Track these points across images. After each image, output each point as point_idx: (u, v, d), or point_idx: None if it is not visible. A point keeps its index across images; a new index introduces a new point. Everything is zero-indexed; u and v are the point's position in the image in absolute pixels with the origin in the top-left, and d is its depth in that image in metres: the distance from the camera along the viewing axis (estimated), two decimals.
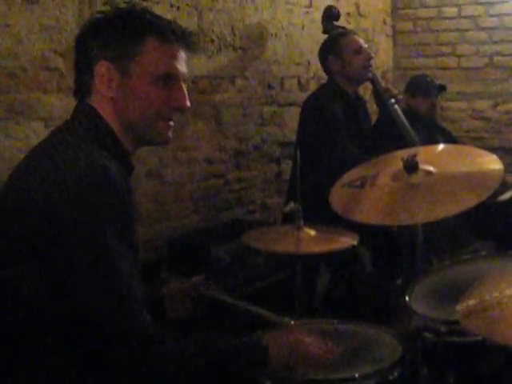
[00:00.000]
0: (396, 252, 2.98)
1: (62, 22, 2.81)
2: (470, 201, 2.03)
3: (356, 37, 3.59)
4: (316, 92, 3.68)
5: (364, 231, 2.36)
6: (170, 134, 1.67)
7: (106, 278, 1.43)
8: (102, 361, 1.46)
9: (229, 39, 3.78)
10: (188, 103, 1.65)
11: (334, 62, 3.51)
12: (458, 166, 2.22)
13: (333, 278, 3.36)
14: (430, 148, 2.63)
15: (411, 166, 2.12)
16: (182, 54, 1.63)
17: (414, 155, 2.14)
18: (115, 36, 1.58)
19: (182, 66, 1.63)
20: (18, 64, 2.64)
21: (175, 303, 1.94)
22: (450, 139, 4.29)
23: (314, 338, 1.76)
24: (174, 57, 1.61)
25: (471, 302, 1.54)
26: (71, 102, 1.77)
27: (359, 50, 3.49)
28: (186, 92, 1.64)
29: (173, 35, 1.61)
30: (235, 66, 3.85)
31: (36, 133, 2.66)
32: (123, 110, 1.59)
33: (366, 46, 3.59)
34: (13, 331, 1.51)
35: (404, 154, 2.21)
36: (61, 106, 2.77)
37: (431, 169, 2.15)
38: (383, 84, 3.78)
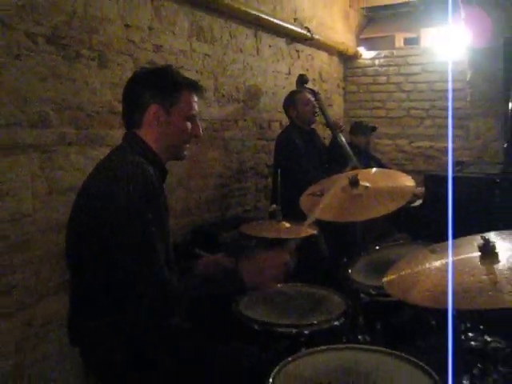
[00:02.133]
0: (343, 239, 3.00)
1: (123, 80, 2.83)
2: (392, 206, 2.04)
3: (305, 93, 3.61)
4: (283, 130, 3.71)
5: (322, 225, 2.37)
6: (187, 153, 1.72)
7: (144, 248, 1.44)
8: (139, 300, 1.45)
9: (234, 95, 3.78)
10: (201, 132, 1.72)
11: (292, 111, 3.54)
12: (385, 183, 2.23)
13: (299, 255, 3.35)
14: (366, 170, 2.63)
15: (354, 182, 2.13)
16: (196, 98, 1.68)
17: (356, 175, 2.15)
18: (163, 87, 1.61)
19: (197, 109, 1.68)
20: (94, 109, 2.64)
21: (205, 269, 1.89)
22: (379, 165, 4.29)
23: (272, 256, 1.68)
24: (196, 103, 1.67)
25: (392, 276, 1.53)
26: None
27: (307, 103, 3.52)
28: (200, 125, 1.70)
29: (195, 88, 1.67)
30: (238, 113, 3.86)
31: (104, 155, 2.66)
32: (164, 137, 1.63)
33: (313, 99, 3.62)
34: (87, 290, 1.54)
35: (349, 174, 2.23)
36: (119, 136, 2.77)
37: (367, 184, 2.16)
38: (332, 120, 3.81)
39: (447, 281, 1.31)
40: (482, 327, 1.77)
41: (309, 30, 4.62)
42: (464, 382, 1.74)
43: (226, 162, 3.76)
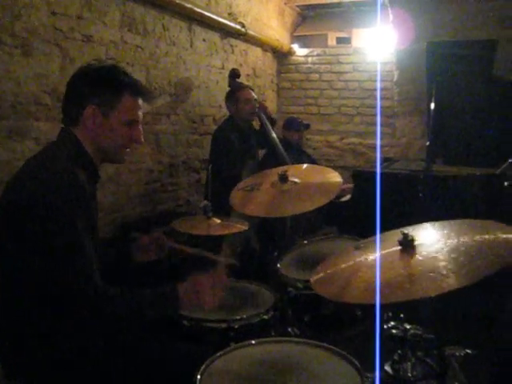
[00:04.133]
0: (273, 234, 3.04)
1: (49, 70, 2.72)
2: (321, 201, 2.09)
3: (249, 91, 3.60)
4: (220, 125, 3.68)
5: (253, 220, 2.38)
6: (126, 157, 1.66)
7: (72, 253, 1.40)
8: (68, 314, 1.42)
9: (166, 88, 3.74)
10: (142, 139, 1.65)
11: (232, 107, 3.53)
12: (314, 179, 2.27)
13: (230, 250, 3.36)
14: (296, 166, 2.68)
15: (283, 178, 2.16)
16: (142, 105, 1.62)
17: (285, 171, 2.18)
18: (103, 89, 1.55)
19: (141, 114, 1.62)
20: (17, 99, 2.53)
21: (143, 252, 1.87)
22: (311, 161, 4.36)
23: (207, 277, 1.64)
24: (139, 108, 1.60)
25: (319, 275, 1.55)
26: (53, 127, 1.72)
27: (248, 101, 3.52)
28: (141, 131, 1.63)
29: (140, 92, 1.60)
30: (170, 106, 3.81)
31: (29, 149, 2.57)
32: (99, 140, 1.57)
33: (255, 97, 3.63)
34: (12, 299, 1.47)
35: (279, 170, 2.25)
36: (46, 130, 2.67)
37: (296, 180, 2.19)
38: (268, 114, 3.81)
39: (374, 276, 1.37)
40: (402, 316, 1.86)
41: (243, 26, 4.63)
42: (385, 367, 1.83)
43: (158, 156, 3.70)
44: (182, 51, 3.91)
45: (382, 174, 3.52)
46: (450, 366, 1.31)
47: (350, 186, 3.62)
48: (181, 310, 1.60)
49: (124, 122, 1.56)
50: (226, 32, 4.49)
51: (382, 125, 5.10)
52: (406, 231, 1.42)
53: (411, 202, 3.39)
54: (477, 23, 4.46)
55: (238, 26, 4.57)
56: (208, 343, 1.77)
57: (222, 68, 4.48)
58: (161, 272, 1.69)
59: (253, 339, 1.56)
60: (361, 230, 1.93)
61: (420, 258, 1.33)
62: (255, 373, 1.40)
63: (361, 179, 3.56)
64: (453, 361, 1.29)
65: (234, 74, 3.80)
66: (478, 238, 1.38)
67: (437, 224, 1.63)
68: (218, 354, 1.46)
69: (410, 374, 1.74)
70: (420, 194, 3.41)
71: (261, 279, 2.17)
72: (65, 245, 1.39)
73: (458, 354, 1.32)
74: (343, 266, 1.51)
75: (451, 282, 1.17)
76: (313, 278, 1.52)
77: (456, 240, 1.41)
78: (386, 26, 4.93)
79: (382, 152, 4.88)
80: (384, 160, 4.16)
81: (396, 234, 1.50)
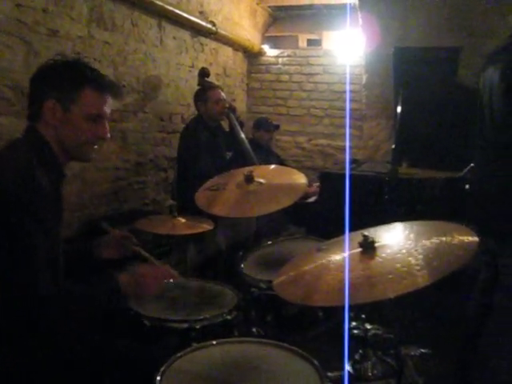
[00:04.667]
0: (239, 234, 3.03)
1: (12, 64, 2.65)
2: (285, 202, 2.10)
3: (218, 91, 3.58)
4: (188, 123, 3.64)
5: (219, 220, 2.37)
6: (93, 154, 1.63)
7: (24, 253, 1.37)
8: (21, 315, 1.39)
9: (135, 85, 3.69)
10: (109, 135, 1.61)
11: (201, 106, 3.51)
12: (279, 180, 2.28)
13: (197, 250, 3.35)
14: (263, 167, 2.69)
15: (249, 179, 2.16)
16: (109, 100, 1.59)
17: (251, 171, 2.19)
18: (63, 82, 1.52)
19: (107, 109, 1.58)
20: None
21: (109, 248, 1.85)
22: (280, 161, 4.38)
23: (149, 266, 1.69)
24: (104, 103, 1.56)
25: (282, 278, 1.54)
26: (16, 123, 1.67)
27: (217, 101, 3.51)
28: (107, 127, 1.60)
29: (104, 87, 1.57)
30: (138, 104, 3.76)
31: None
32: (62, 136, 1.54)
33: (225, 98, 3.62)
34: None
35: (245, 170, 2.25)
36: (8, 125, 2.61)
37: (262, 181, 2.19)
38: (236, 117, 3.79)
39: (337, 278, 1.38)
40: (363, 316, 1.89)
41: (214, 25, 4.61)
42: (347, 366, 1.85)
43: (124, 154, 3.65)
44: (152, 48, 3.87)
45: (349, 175, 3.57)
46: (405, 365, 1.33)
47: (317, 187, 3.65)
48: (125, 300, 1.61)
49: (86, 116, 1.53)
50: (196, 30, 4.47)
51: (350, 127, 5.16)
52: (366, 233, 1.44)
53: (377, 203, 3.44)
54: (442, 30, 4.55)
55: (209, 25, 4.55)
56: (169, 343, 1.76)
57: (192, 66, 4.45)
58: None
59: (215, 339, 1.56)
60: (328, 230, 1.94)
61: (380, 259, 1.35)
62: (215, 373, 1.40)
63: (327, 180, 3.59)
64: (408, 360, 1.32)
65: (204, 73, 3.78)
66: (436, 239, 1.40)
67: (399, 225, 1.66)
68: (179, 355, 1.45)
69: (370, 373, 1.77)
70: (386, 196, 3.46)
71: (226, 279, 2.16)
72: (12, 246, 1.36)
73: (413, 353, 1.34)
74: (306, 268, 1.51)
75: (409, 284, 1.19)
76: (275, 282, 1.52)
77: (416, 242, 1.43)
78: (356, 29, 4.98)
79: (349, 154, 4.93)
80: (351, 162, 4.21)
81: (358, 236, 1.51)
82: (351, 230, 1.66)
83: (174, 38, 4.18)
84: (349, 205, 1.86)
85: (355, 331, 1.88)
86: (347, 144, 5.20)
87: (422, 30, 4.61)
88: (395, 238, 1.52)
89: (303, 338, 1.98)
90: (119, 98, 1.66)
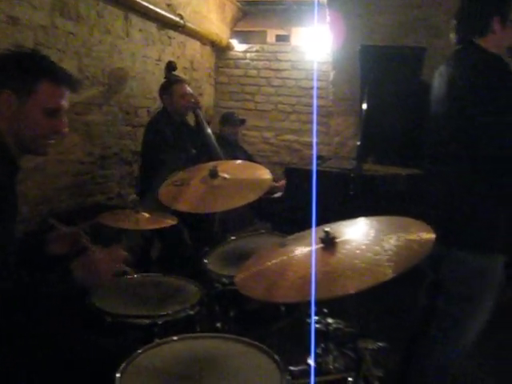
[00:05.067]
0: (203, 229, 3.02)
1: None
2: (250, 197, 2.07)
3: (184, 85, 3.55)
4: (153, 117, 3.61)
5: (184, 216, 2.35)
6: (49, 149, 1.59)
7: None
8: None
9: (99, 77, 3.63)
10: (66, 130, 1.57)
11: (167, 100, 3.48)
12: (244, 175, 2.26)
13: (163, 246, 3.33)
14: (228, 162, 2.67)
15: (213, 174, 2.14)
16: (67, 94, 1.55)
17: (216, 166, 2.16)
18: (19, 73, 1.47)
19: (65, 103, 1.55)
20: None
21: (58, 244, 1.81)
22: (247, 156, 4.38)
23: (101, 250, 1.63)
24: (61, 96, 1.53)
25: (244, 274, 1.53)
26: None
27: (183, 96, 3.47)
28: (65, 121, 1.56)
29: (62, 80, 1.53)
30: (103, 96, 3.70)
31: None
32: (17, 128, 1.49)
33: (191, 92, 3.59)
34: None
35: (210, 165, 2.22)
36: None
37: (226, 176, 2.17)
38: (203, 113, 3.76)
39: (300, 273, 1.38)
40: (325, 310, 1.91)
41: (182, 18, 4.57)
42: (309, 360, 1.87)
43: (88, 147, 3.59)
44: (117, 40, 3.81)
45: (314, 171, 3.60)
46: (363, 358, 1.35)
47: (284, 182, 3.68)
48: (78, 285, 1.52)
49: (43, 110, 1.49)
50: (163, 23, 4.42)
51: (317, 123, 5.19)
52: (327, 229, 1.45)
53: (342, 199, 3.48)
54: (407, 30, 4.63)
55: (177, 18, 4.51)
56: (132, 340, 1.74)
57: (159, 60, 4.40)
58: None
59: (177, 335, 1.55)
60: (293, 226, 1.95)
61: (340, 255, 1.37)
62: (176, 369, 1.39)
63: (293, 176, 3.62)
64: (366, 354, 1.34)
65: (171, 67, 3.74)
66: (396, 235, 1.43)
67: (361, 221, 1.68)
68: (139, 352, 1.44)
69: (331, 367, 1.79)
70: (351, 192, 3.51)
71: (191, 275, 2.15)
72: None
73: (370, 347, 1.37)
74: (267, 263, 1.51)
75: (368, 279, 1.20)
76: (237, 278, 1.51)
77: (376, 237, 1.46)
78: (324, 26, 5.02)
79: (316, 150, 4.97)
80: (317, 158, 4.24)
81: (320, 232, 1.52)
82: (317, 225, 1.68)
83: (141, 30, 4.12)
84: (314, 200, 1.87)
85: (317, 325, 1.90)
86: (314, 140, 5.24)
87: (389, 29, 4.68)
88: (356, 234, 1.54)
89: (266, 332, 1.99)
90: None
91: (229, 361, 1.44)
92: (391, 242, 1.38)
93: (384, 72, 4.00)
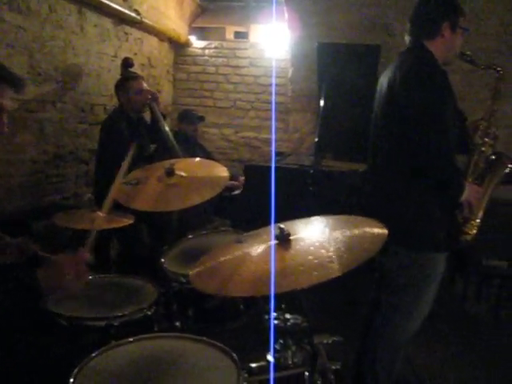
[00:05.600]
0: (162, 228, 2.99)
1: None
2: (208, 194, 2.09)
3: (140, 81, 3.48)
4: (109, 115, 3.54)
5: (143, 215, 2.33)
6: None
7: None
8: None
9: (52, 74, 3.52)
10: (5, 129, 1.52)
11: (123, 96, 3.42)
12: (201, 173, 2.26)
13: (121, 245, 3.28)
14: (185, 160, 2.65)
15: (170, 172, 2.13)
16: (7, 92, 1.49)
17: (172, 164, 2.15)
18: None
19: (5, 102, 1.49)
20: None
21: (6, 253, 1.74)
22: (206, 154, 4.36)
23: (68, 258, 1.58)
24: (1, 96, 1.48)
25: (198, 269, 1.53)
26: None
27: (139, 92, 3.42)
28: (5, 121, 1.51)
29: (2, 78, 1.48)
30: (56, 93, 3.59)
31: None
32: None
33: (147, 88, 3.53)
34: None
35: (166, 163, 2.22)
36: None
37: (183, 174, 2.17)
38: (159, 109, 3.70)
39: (254, 269, 1.39)
40: (283, 306, 1.92)
41: (138, 13, 4.49)
42: (268, 356, 1.88)
43: (42, 145, 3.47)
44: (71, 36, 3.71)
45: (273, 168, 3.62)
46: (319, 353, 1.37)
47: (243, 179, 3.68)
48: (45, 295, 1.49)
49: None
50: (119, 19, 4.33)
51: (275, 120, 5.22)
52: (282, 226, 1.46)
53: (301, 195, 3.52)
54: (363, 29, 4.70)
55: (133, 14, 4.42)
56: (88, 343, 1.70)
57: (115, 56, 4.31)
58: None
59: (134, 336, 1.53)
60: (253, 222, 1.95)
61: (294, 252, 1.38)
62: (132, 371, 1.38)
63: (252, 173, 3.62)
64: (321, 348, 1.36)
65: (127, 63, 3.67)
66: (348, 232, 1.45)
67: (317, 219, 1.70)
68: (94, 355, 1.41)
69: (290, 362, 1.80)
70: (310, 188, 3.55)
71: (150, 274, 2.13)
72: None
73: (325, 341, 1.39)
74: (223, 259, 1.52)
75: (319, 275, 1.22)
76: (191, 273, 1.51)
77: (329, 234, 1.48)
78: (282, 23, 5.04)
79: (275, 146, 5.00)
80: (277, 154, 4.26)
81: (276, 229, 1.53)
82: (276, 222, 1.69)
83: (96, 25, 4.03)
84: (274, 197, 1.88)
85: (276, 321, 1.92)
86: (273, 137, 5.26)
87: (345, 27, 4.74)
88: (311, 231, 1.56)
89: (225, 330, 1.99)
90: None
91: (186, 360, 1.43)
92: (343, 239, 1.41)
93: (340, 69, 4.06)
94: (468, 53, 2.25)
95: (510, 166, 2.30)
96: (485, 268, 3.91)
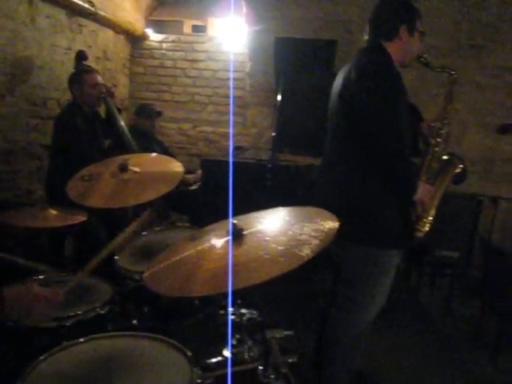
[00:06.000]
0: (117, 225, 2.93)
1: None
2: (162, 190, 2.05)
3: (95, 74, 3.40)
4: (63, 109, 3.43)
5: (97, 211, 2.28)
6: None
7: None
8: None
9: (1, 66, 3.39)
10: None
11: (77, 90, 3.32)
12: (155, 168, 2.23)
13: (76, 243, 3.20)
14: (139, 155, 2.62)
15: (123, 168, 2.09)
16: None
17: (126, 160, 2.11)
18: None
19: None
20: None
21: None
22: (163, 148, 4.31)
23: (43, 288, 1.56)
24: None
25: (152, 270, 1.50)
26: None
27: (94, 86, 3.34)
28: None
29: None
30: (5, 87, 3.46)
31: None
32: None
33: (102, 82, 3.45)
34: None
35: (119, 159, 2.18)
36: None
37: (137, 169, 2.13)
38: (114, 103, 3.62)
39: (208, 266, 1.37)
40: (239, 301, 1.92)
41: (93, 5, 4.37)
42: (224, 352, 1.88)
43: None
44: (21, 27, 3.57)
45: (233, 162, 3.60)
46: (271, 348, 1.38)
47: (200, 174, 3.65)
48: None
49: None
50: (73, 10, 4.20)
51: (234, 114, 5.20)
52: (235, 221, 1.45)
53: (260, 190, 3.52)
54: (321, 24, 4.74)
55: (87, 5, 4.30)
56: (39, 344, 1.65)
57: (69, 48, 4.19)
58: None
59: (88, 335, 1.50)
60: (210, 217, 1.94)
61: (246, 247, 1.37)
62: (83, 372, 1.34)
63: (210, 168, 3.60)
64: (273, 343, 1.36)
65: (81, 56, 3.57)
66: (301, 225, 1.45)
67: (272, 212, 1.70)
68: (42, 357, 1.37)
69: (247, 356, 1.81)
70: (268, 182, 3.55)
71: (103, 271, 2.08)
72: None
73: (277, 335, 1.39)
74: (176, 258, 1.49)
75: (270, 271, 1.22)
76: (145, 275, 1.48)
77: (283, 228, 1.48)
78: (240, 17, 5.01)
79: (233, 141, 4.98)
80: (235, 149, 4.25)
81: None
82: (234, 216, 1.67)
83: (48, 16, 3.89)
84: (231, 192, 1.87)
85: (232, 317, 1.91)
86: (231, 131, 5.24)
87: (302, 22, 4.77)
88: (265, 225, 1.55)
89: (181, 326, 1.97)
90: None
91: (139, 359, 1.41)
92: (297, 232, 1.41)
93: (297, 64, 4.07)
94: (425, 55, 2.30)
95: (460, 166, 2.38)
96: (437, 259, 4.03)
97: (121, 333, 1.54)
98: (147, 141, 4.04)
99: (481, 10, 4.60)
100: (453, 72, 2.35)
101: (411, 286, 4.39)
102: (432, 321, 3.85)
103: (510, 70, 4.65)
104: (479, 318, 3.70)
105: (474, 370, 3.12)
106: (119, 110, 3.53)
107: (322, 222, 1.44)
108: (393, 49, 2.15)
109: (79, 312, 1.71)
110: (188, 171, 3.98)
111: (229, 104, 5.31)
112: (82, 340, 1.47)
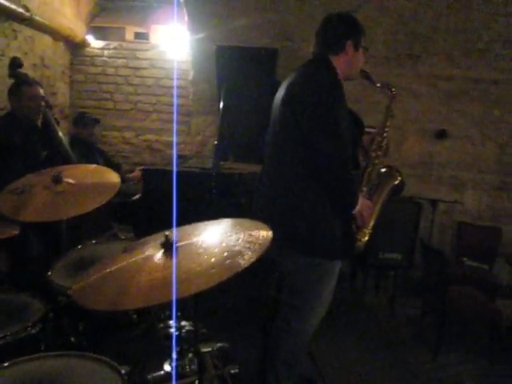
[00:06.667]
0: (51, 239, 2.81)
1: None
2: (99, 201, 2.02)
3: (36, 87, 3.23)
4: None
5: (30, 224, 2.18)
6: None
7: None
8: None
9: None
10: None
11: (15, 102, 3.18)
12: (91, 179, 2.18)
13: (10, 259, 3.04)
14: (75, 166, 2.53)
15: (57, 179, 2.01)
16: None
17: (59, 171, 2.04)
18: None
19: None
20: None
21: None
22: (104, 157, 4.19)
23: None
24: None
25: (80, 284, 1.45)
26: None
27: (33, 98, 3.20)
28: None
29: None
30: None
31: None
32: None
33: (42, 95, 3.30)
34: None
35: (53, 170, 2.10)
36: None
37: (71, 181, 2.07)
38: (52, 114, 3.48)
39: (141, 279, 1.33)
40: (179, 314, 1.88)
41: (28, 10, 4.20)
42: (165, 366, 1.82)
43: None
44: None
45: (176, 172, 3.55)
46: (205, 362, 1.34)
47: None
48: None
49: None
50: (6, 14, 4.02)
51: (177, 123, 5.14)
52: (168, 233, 1.42)
53: (203, 198, 3.48)
54: (262, 32, 4.76)
55: (21, 10, 4.12)
56: None
57: (2, 55, 4.01)
58: None
59: (19, 357, 1.42)
60: (154, 228, 1.89)
61: (179, 259, 1.34)
62: None
63: (151, 177, 3.53)
64: (207, 356, 1.33)
65: (16, 63, 3.41)
66: (235, 236, 1.44)
67: (209, 224, 1.67)
68: None
69: (188, 369, 1.76)
70: (212, 191, 3.52)
71: (36, 288, 1.98)
72: None
73: (211, 349, 1.37)
74: (108, 271, 1.44)
75: (203, 282, 1.19)
76: (72, 289, 1.43)
77: (216, 240, 1.46)
78: (183, 24, 4.97)
79: (177, 149, 4.92)
80: (178, 157, 4.20)
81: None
82: (178, 226, 1.63)
83: None
84: (175, 201, 1.82)
85: (170, 330, 1.87)
86: (174, 140, 5.18)
87: (244, 31, 4.77)
88: (201, 236, 1.52)
89: (119, 342, 1.91)
90: None
91: (69, 379, 1.35)
92: (231, 243, 1.39)
93: (239, 72, 4.07)
94: (367, 70, 2.36)
95: (399, 178, 2.45)
96: (381, 261, 4.11)
97: (48, 353, 1.46)
98: (88, 150, 3.93)
99: (417, 22, 4.76)
100: (393, 89, 2.43)
101: (357, 288, 4.47)
102: (377, 322, 3.93)
103: (444, 78, 4.83)
104: (420, 318, 3.80)
105: (416, 367, 3.21)
106: (57, 123, 3.40)
107: (256, 233, 1.43)
108: (338, 62, 2.19)
109: (8, 332, 1.62)
110: (129, 170, 3.91)
111: (172, 112, 5.24)
112: (5, 364, 1.38)
